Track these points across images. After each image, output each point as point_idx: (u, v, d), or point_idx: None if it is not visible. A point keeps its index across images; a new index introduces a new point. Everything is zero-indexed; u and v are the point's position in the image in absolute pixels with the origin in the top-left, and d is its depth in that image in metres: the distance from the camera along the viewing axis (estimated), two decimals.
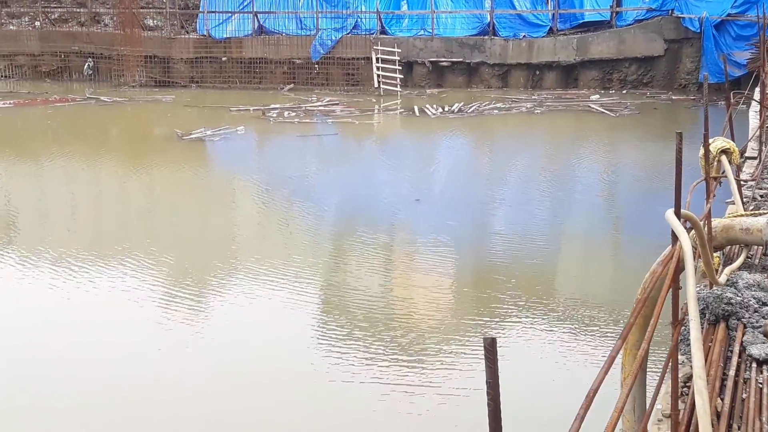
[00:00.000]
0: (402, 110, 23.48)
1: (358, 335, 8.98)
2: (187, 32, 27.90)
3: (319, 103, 24.17)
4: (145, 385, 7.91)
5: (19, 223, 13.57)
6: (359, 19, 26.70)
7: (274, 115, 22.48)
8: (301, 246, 12.14)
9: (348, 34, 26.48)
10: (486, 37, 26.06)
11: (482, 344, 1.85)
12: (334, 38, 26.41)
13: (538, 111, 22.92)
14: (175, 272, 10.93)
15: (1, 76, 28.08)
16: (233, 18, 27.24)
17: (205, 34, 27.18)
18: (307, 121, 22.05)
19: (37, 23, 29.34)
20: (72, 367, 8.25)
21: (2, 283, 10.65)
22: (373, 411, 7.50)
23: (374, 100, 24.62)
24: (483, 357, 1.87)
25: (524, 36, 25.95)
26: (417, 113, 22.67)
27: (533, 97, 24.59)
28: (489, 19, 26.17)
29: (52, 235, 12.77)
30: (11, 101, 24.19)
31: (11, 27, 29.41)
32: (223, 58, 26.95)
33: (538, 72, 25.97)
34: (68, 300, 10.03)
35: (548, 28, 26.05)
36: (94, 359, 8.43)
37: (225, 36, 27.03)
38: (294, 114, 22.69)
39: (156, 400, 7.66)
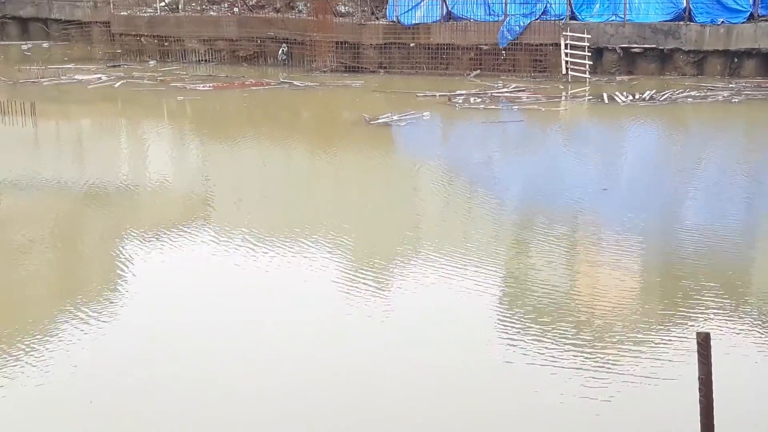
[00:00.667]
0: (590, 97, 23.01)
1: (538, 326, 8.91)
2: (377, 18, 28.34)
3: (505, 90, 24.02)
4: (319, 368, 8.14)
5: (213, 201, 14.22)
6: (549, 5, 26.32)
7: (460, 101, 22.53)
8: (482, 233, 12.14)
9: (537, 20, 26.17)
10: (681, 22, 25.14)
11: (694, 338, 1.81)
12: (522, 24, 26.17)
13: (736, 100, 21.93)
14: (356, 255, 11.17)
15: (202, 60, 29.45)
16: (422, 4, 27.44)
17: (394, 20, 27.52)
18: (492, 107, 21.98)
19: (236, 9, 30.55)
20: (248, 347, 8.58)
21: (193, 259, 11.18)
22: (560, 394, 7.44)
23: (561, 87, 24.25)
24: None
25: (722, 22, 24.85)
26: (606, 101, 22.16)
27: (730, 85, 23.55)
28: (685, 4, 25.21)
29: (242, 213, 13.32)
30: (210, 84, 25.32)
31: (212, 13, 30.76)
32: (411, 44, 27.21)
33: (736, 59, 24.84)
34: (251, 277, 10.44)
35: (749, 13, 24.84)
36: (272, 339, 8.74)
37: (413, 22, 27.27)
38: (479, 100, 22.66)
39: (333, 381, 7.88)
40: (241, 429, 7.05)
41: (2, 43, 35.10)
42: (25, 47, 33.99)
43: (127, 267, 10.67)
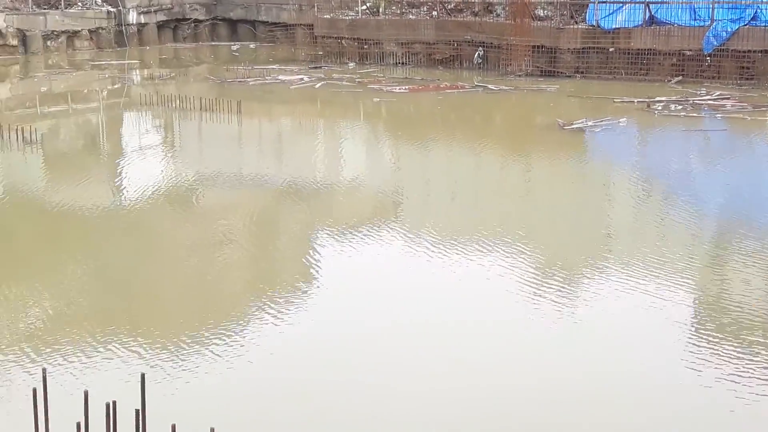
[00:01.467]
0: None
1: (732, 343, 8.53)
2: (576, 22, 27.89)
3: (708, 97, 23.08)
4: (501, 374, 8.10)
5: (403, 201, 14.42)
6: (759, 10, 25.07)
7: (659, 107, 21.84)
8: (676, 244, 11.72)
9: (745, 25, 24.99)
10: None
11: None
12: (729, 30, 25.06)
13: None
14: (543, 261, 11.03)
15: (399, 63, 29.93)
16: (624, 8, 26.78)
17: (593, 24, 26.99)
18: (693, 115, 21.17)
19: (434, 13, 30.85)
20: (429, 347, 8.63)
21: (380, 258, 11.37)
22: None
23: None
24: None
25: None
26: None
27: None
28: None
29: (431, 214, 13.44)
30: (406, 87, 25.69)
31: (411, 16, 31.20)
32: (610, 49, 26.60)
33: None
34: (436, 278, 10.51)
35: None
36: (452, 341, 8.77)
37: (614, 26, 26.65)
38: (680, 107, 21.88)
39: (515, 389, 7.82)
40: None
41: (213, 43, 36.98)
42: (233, 48, 35.67)
43: (317, 263, 10.99)
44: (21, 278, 10.45)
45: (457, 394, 7.58)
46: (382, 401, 7.48)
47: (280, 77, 27.41)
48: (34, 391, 4.30)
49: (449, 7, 31.08)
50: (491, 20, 29.25)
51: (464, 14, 30.38)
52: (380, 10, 32.22)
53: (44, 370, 4.37)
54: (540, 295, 9.77)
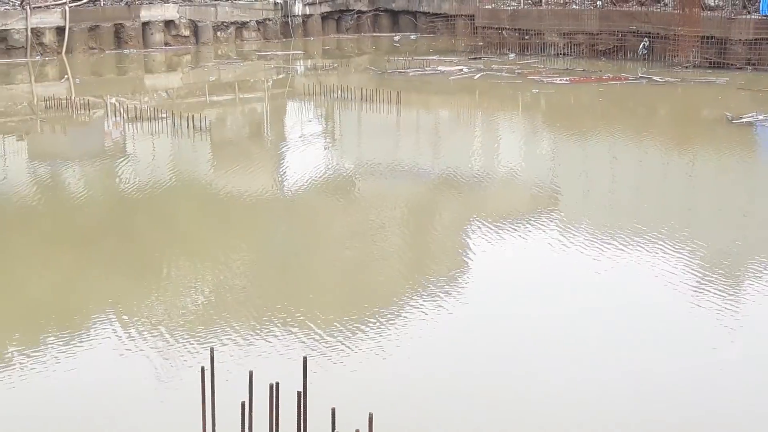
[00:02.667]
0: None
1: None
2: (749, 12, 26.75)
3: None
4: (664, 374, 7.92)
5: (559, 193, 14.26)
6: None
7: None
8: None
9: None
10: None
11: None
12: None
13: None
14: (709, 258, 10.69)
15: (560, 54, 29.51)
16: None
17: (767, 14, 25.83)
18: None
19: (599, 3, 30.23)
20: (579, 343, 8.52)
21: (535, 251, 11.28)
22: None
23: None
24: None
25: None
26: None
27: None
28: None
29: (588, 207, 13.24)
30: (567, 78, 25.31)
31: (574, 6, 30.68)
32: None
33: None
34: (589, 272, 10.35)
35: None
36: (606, 338, 8.63)
37: None
38: None
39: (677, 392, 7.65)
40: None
41: (375, 34, 37.43)
42: (395, 39, 36.02)
43: (473, 254, 11.03)
44: (188, 260, 10.95)
45: (620, 384, 7.48)
46: (542, 392, 7.46)
47: (439, 68, 27.51)
48: (202, 369, 4.53)
49: None
50: (658, 10, 28.42)
51: (630, 4, 29.63)
52: (543, 0, 31.83)
53: (212, 350, 4.59)
54: (704, 291, 9.49)
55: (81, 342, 8.36)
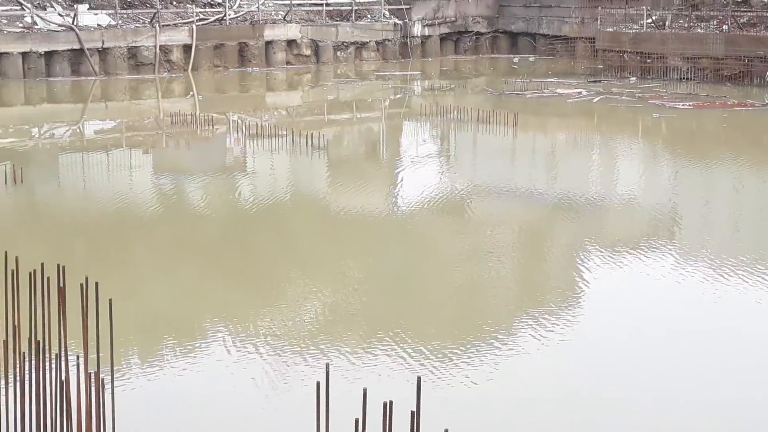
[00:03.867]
0: None
1: None
2: None
3: None
4: None
5: (677, 221, 13.93)
6: None
7: None
8: None
9: None
10: None
11: None
12: None
13: None
14: None
15: (683, 78, 28.88)
16: None
17: None
18: None
19: (725, 27, 29.49)
20: (707, 362, 8.30)
21: (651, 279, 11.05)
22: None
23: None
24: None
25: None
26: None
27: None
28: None
29: (706, 236, 12.90)
30: (690, 103, 24.75)
31: (699, 30, 30.01)
32: None
33: None
34: (706, 302, 10.08)
35: None
36: (729, 357, 8.38)
37: None
38: None
39: None
40: None
41: (492, 56, 37.40)
42: (514, 60, 35.90)
43: (584, 279, 10.87)
44: (302, 276, 11.13)
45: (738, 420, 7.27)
46: (667, 412, 7.30)
47: (557, 90, 27.28)
48: (318, 384, 4.61)
49: (741, 20, 29.60)
50: None
51: (758, 29, 28.81)
52: (666, 23, 31.25)
53: (327, 366, 4.66)
54: None
55: (196, 353, 8.59)
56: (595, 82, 29.12)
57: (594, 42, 32.08)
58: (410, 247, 12.54)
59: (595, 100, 25.85)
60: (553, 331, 9.12)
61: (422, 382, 4.23)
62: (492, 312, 9.89)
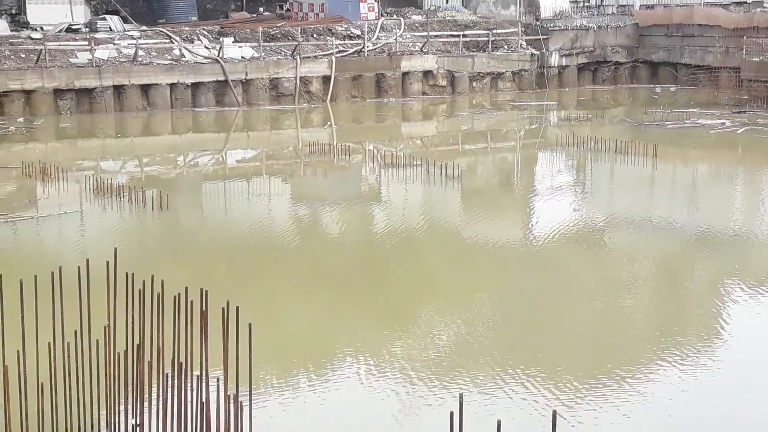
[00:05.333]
0: None
1: None
2: None
3: None
4: None
5: None
6: None
7: None
8: None
9: None
10: None
11: None
12: None
13: None
14: None
15: None
16: None
17: None
18: None
19: None
20: None
21: None
22: None
23: None
24: None
25: None
26: None
27: None
28: None
29: None
30: None
31: None
32: None
33: None
34: None
35: None
36: None
37: None
38: None
39: None
40: None
41: (632, 86, 36.73)
42: (656, 90, 35.15)
43: (725, 317, 10.51)
44: (435, 306, 11.16)
45: None
46: None
47: (699, 121, 26.54)
48: (451, 414, 4.61)
49: None
50: None
51: None
52: None
53: (461, 396, 4.67)
54: None
55: (330, 380, 8.71)
56: (739, 112, 28.19)
57: (739, 72, 31.12)
58: (544, 279, 12.40)
59: (740, 131, 25.01)
60: (692, 367, 8.85)
61: (557, 417, 4.19)
62: (628, 347, 9.67)
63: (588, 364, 9.09)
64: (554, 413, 4.08)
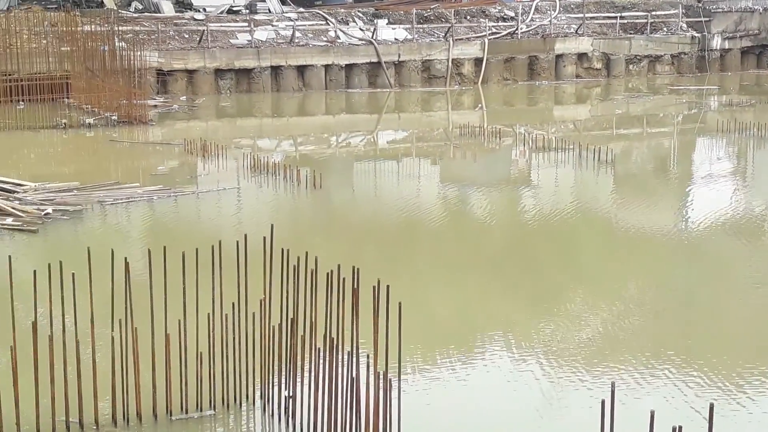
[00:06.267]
0: None
1: None
2: None
3: None
4: None
5: None
6: None
7: None
8: None
9: None
10: None
11: None
12: None
13: None
14: None
15: None
16: None
17: None
18: None
19: None
20: None
21: None
22: None
23: None
24: None
25: None
26: None
27: None
28: None
29: None
30: None
31: None
32: None
33: None
34: None
35: None
36: None
37: None
38: None
39: None
40: None
41: None
42: None
43: None
44: (584, 292, 10.99)
45: None
46: None
47: None
48: (603, 402, 4.55)
49: None
50: None
51: None
52: None
53: (613, 384, 4.60)
54: None
55: (476, 362, 8.72)
56: None
57: None
58: (701, 269, 12.01)
59: None
60: None
61: (714, 410, 4.07)
62: None
63: (746, 357, 8.76)
64: (711, 406, 3.97)
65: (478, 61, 31.49)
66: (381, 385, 6.05)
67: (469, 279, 11.48)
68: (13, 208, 13.54)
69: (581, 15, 33.78)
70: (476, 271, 11.79)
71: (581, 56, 32.81)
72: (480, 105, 28.59)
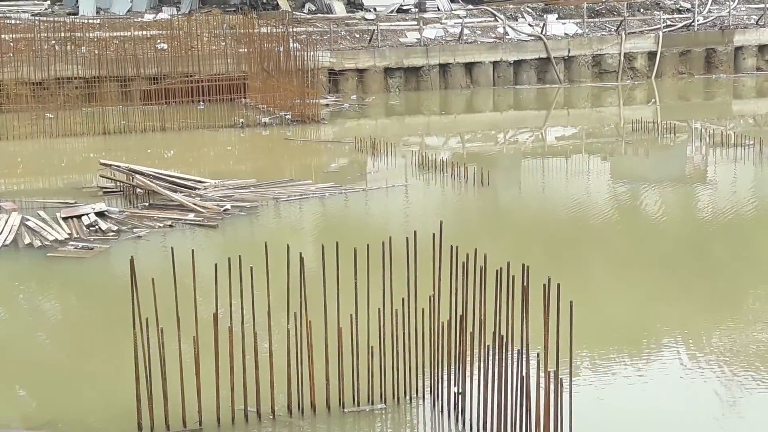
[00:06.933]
0: None
1: None
2: None
3: None
4: None
5: None
6: None
7: None
8: None
9: None
10: None
11: None
12: None
13: None
14: None
15: None
16: None
17: None
18: None
19: None
20: None
21: None
22: None
23: None
24: None
25: None
26: None
27: None
28: None
29: None
30: None
31: None
32: None
33: None
34: None
35: None
36: None
37: None
38: None
39: None
40: None
41: None
42: None
43: None
44: (759, 293, 10.52)
45: None
46: None
47: None
48: None
49: None
50: None
51: None
52: None
53: None
54: None
55: (650, 363, 8.52)
56: None
57: None
58: None
59: None
60: None
61: None
62: None
63: None
64: None
65: (651, 55, 30.58)
66: (552, 384, 6.01)
67: (640, 279, 11.20)
68: (195, 205, 14.18)
69: (763, 5, 32.23)
70: (648, 270, 11.49)
71: (762, 48, 31.30)
72: (653, 100, 27.78)
